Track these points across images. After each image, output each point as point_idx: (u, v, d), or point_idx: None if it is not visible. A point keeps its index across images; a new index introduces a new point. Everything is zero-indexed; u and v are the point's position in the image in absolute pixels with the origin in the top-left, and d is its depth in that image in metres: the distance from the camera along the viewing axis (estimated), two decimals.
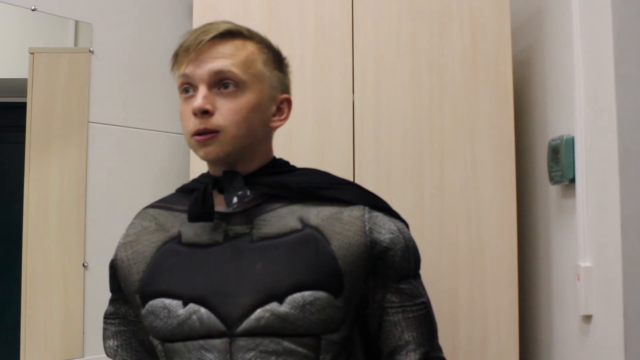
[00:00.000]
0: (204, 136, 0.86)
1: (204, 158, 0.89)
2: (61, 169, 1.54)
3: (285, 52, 1.49)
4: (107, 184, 1.62)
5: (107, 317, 0.99)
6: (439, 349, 0.97)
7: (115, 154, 1.65)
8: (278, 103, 0.94)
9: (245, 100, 0.87)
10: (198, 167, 1.46)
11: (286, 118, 0.96)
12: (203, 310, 0.83)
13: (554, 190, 1.46)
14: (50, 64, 1.54)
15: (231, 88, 0.86)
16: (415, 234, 1.44)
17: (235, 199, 0.86)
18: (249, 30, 0.92)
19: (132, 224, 0.98)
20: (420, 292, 0.94)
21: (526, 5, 1.65)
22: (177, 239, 0.90)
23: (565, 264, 1.39)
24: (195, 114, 0.85)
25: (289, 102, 0.96)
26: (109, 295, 1.58)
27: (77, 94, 1.58)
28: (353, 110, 1.47)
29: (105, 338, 0.98)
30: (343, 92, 1.47)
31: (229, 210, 0.90)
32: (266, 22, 1.49)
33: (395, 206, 1.43)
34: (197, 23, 1.49)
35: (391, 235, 0.90)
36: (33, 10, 1.51)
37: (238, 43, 0.89)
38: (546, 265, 1.50)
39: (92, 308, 1.56)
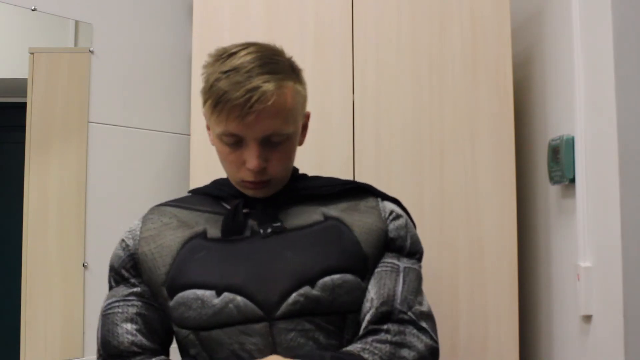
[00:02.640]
0: (257, 184, 0.94)
1: (252, 196, 0.98)
2: (61, 169, 1.54)
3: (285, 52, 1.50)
4: (107, 184, 1.62)
5: (125, 298, 0.95)
6: (407, 308, 0.93)
7: (115, 154, 1.65)
8: (303, 123, 1.02)
9: (291, 145, 0.96)
10: (198, 167, 1.46)
11: (306, 134, 1.04)
12: (239, 298, 0.88)
13: (554, 190, 1.46)
14: (50, 64, 1.54)
15: (280, 141, 0.93)
16: None
17: (269, 230, 0.95)
18: (287, 65, 0.94)
19: (149, 219, 1.00)
20: (398, 265, 0.97)
21: (526, 5, 1.65)
22: (202, 234, 0.95)
23: (565, 264, 1.39)
24: (250, 170, 0.92)
25: (308, 117, 1.04)
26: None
27: (77, 94, 1.58)
28: (353, 110, 1.47)
29: (114, 324, 0.93)
30: (343, 92, 1.47)
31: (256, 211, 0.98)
32: (266, 22, 1.49)
33: None
34: (197, 23, 1.49)
35: (400, 221, 1.01)
36: (33, 10, 1.51)
37: (284, 91, 0.90)
38: (546, 265, 1.50)
39: (92, 308, 1.56)
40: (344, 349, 0.88)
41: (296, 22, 1.49)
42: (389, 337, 0.89)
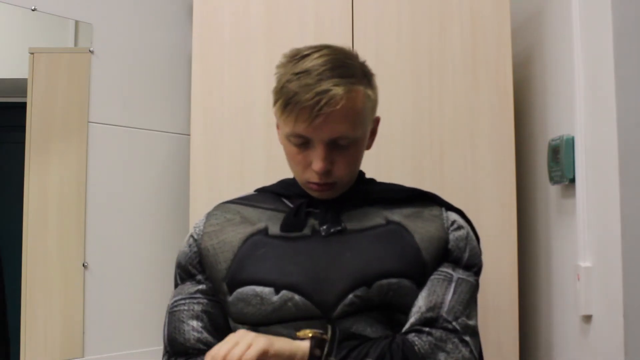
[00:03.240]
0: (322, 186, 0.95)
1: (317, 197, 0.99)
2: (61, 169, 1.54)
3: (285, 52, 1.49)
4: (107, 184, 1.62)
5: (191, 296, 0.96)
6: (453, 319, 0.92)
7: (115, 154, 1.65)
8: (372, 128, 1.02)
9: (358, 149, 0.97)
10: (198, 167, 1.46)
11: (375, 137, 1.05)
12: (297, 297, 0.89)
13: (554, 190, 1.46)
14: (50, 64, 1.54)
15: (347, 144, 0.93)
16: None
17: (331, 230, 0.96)
18: (359, 68, 0.95)
19: (212, 215, 1.03)
20: (452, 274, 0.96)
21: (526, 5, 1.65)
22: (264, 231, 0.97)
23: (565, 264, 1.39)
24: (316, 172, 0.93)
25: (378, 121, 1.04)
26: (108, 294, 1.59)
27: (77, 94, 1.58)
28: None
29: (180, 321, 0.94)
30: None
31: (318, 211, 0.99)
32: (266, 22, 1.49)
33: None
34: (197, 23, 1.49)
35: (461, 232, 1.00)
36: (33, 10, 1.51)
37: (353, 95, 0.91)
38: (546, 265, 1.50)
39: (92, 308, 1.56)
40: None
41: (296, 22, 1.49)
42: (430, 338, 0.89)
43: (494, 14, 1.47)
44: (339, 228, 0.95)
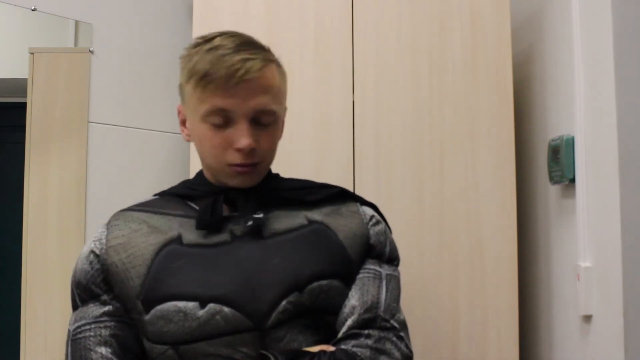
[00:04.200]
0: (246, 168, 0.89)
1: (236, 186, 0.92)
2: (61, 169, 1.54)
3: (285, 52, 1.50)
4: (107, 184, 1.62)
5: (97, 320, 0.87)
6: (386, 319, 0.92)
7: (115, 154, 1.65)
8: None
9: (278, 129, 0.93)
10: (198, 167, 1.46)
11: (283, 129, 0.99)
12: (227, 309, 0.83)
13: (554, 190, 1.46)
14: (50, 64, 1.54)
15: (269, 122, 0.90)
16: (415, 234, 1.44)
17: (250, 222, 0.89)
18: (271, 52, 0.93)
19: (114, 225, 0.92)
20: (380, 271, 0.95)
21: (526, 5, 1.65)
22: (177, 240, 0.89)
23: (565, 264, 1.39)
24: (241, 150, 0.87)
25: (285, 111, 0.98)
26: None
27: (77, 94, 1.58)
28: (353, 110, 1.47)
29: (86, 349, 0.85)
30: (343, 92, 1.47)
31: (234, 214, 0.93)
32: (266, 23, 1.49)
33: (395, 206, 1.44)
34: (197, 23, 1.49)
35: (380, 226, 0.99)
36: (33, 10, 1.51)
37: (270, 72, 0.89)
38: (546, 265, 1.50)
39: None
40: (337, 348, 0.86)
41: (296, 22, 1.49)
42: (369, 342, 0.87)
43: (494, 14, 1.48)
44: (260, 216, 0.89)
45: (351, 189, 1.44)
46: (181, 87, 0.94)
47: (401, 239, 1.42)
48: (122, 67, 1.68)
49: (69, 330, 0.89)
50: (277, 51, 1.50)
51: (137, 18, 1.72)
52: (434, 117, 1.47)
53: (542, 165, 1.50)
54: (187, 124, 0.96)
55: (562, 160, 1.33)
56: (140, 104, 1.71)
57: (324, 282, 0.88)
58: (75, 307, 0.90)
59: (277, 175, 1.03)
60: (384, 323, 0.90)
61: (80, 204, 1.56)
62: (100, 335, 0.86)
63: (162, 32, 1.77)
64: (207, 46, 0.87)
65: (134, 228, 0.91)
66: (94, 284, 0.89)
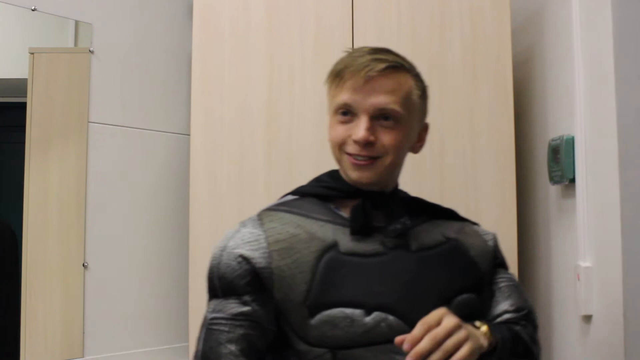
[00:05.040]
0: (363, 161, 0.93)
1: (356, 180, 0.95)
2: (61, 169, 1.54)
3: (285, 52, 1.50)
4: (107, 184, 1.62)
5: (234, 317, 0.91)
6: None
7: (115, 154, 1.65)
8: (421, 130, 1.03)
9: (402, 132, 0.94)
10: (198, 167, 1.46)
11: (423, 144, 1.04)
12: (391, 317, 0.88)
13: (554, 190, 1.46)
14: (50, 64, 1.54)
15: (391, 121, 0.93)
16: None
17: (398, 226, 0.94)
18: (409, 64, 0.98)
19: (272, 228, 0.94)
20: (513, 277, 1.05)
21: (526, 5, 1.65)
22: (335, 248, 0.93)
23: (565, 264, 1.39)
24: (357, 142, 0.91)
25: (427, 129, 1.05)
26: (108, 294, 1.59)
27: (77, 94, 1.58)
28: None
29: (217, 343, 0.90)
30: None
31: (382, 224, 0.97)
32: (266, 23, 1.49)
33: None
34: (197, 23, 1.49)
35: (495, 240, 1.06)
36: (33, 10, 1.51)
37: (400, 77, 0.94)
38: (546, 265, 1.50)
39: (92, 308, 1.56)
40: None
41: (296, 22, 1.49)
42: (526, 330, 0.95)
43: (494, 14, 1.47)
44: (408, 223, 0.95)
45: None
46: (328, 85, 0.99)
47: None
48: (122, 67, 1.68)
49: (205, 316, 0.93)
50: (277, 51, 1.51)
51: (137, 18, 1.72)
52: (434, 117, 1.47)
53: (542, 165, 1.50)
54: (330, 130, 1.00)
55: (562, 160, 1.33)
56: (140, 104, 1.71)
57: (465, 295, 0.94)
58: (214, 296, 0.94)
59: (404, 191, 1.08)
60: (532, 318, 0.99)
61: (80, 204, 1.56)
62: (233, 332, 0.90)
63: (162, 32, 1.77)
64: (350, 51, 0.96)
65: (293, 232, 0.94)
66: (238, 284, 0.92)
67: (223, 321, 0.91)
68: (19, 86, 1.47)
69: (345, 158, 0.94)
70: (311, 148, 1.46)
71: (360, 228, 0.94)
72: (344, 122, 0.93)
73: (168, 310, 1.71)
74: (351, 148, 0.93)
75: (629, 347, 1.15)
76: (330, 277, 0.90)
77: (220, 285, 0.93)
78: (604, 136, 1.20)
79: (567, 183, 1.34)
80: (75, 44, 1.62)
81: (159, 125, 1.75)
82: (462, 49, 1.47)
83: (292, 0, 1.49)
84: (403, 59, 0.97)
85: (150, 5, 1.75)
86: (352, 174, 0.94)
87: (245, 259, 0.91)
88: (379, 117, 0.92)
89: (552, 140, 1.39)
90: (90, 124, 1.60)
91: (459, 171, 1.45)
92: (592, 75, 1.25)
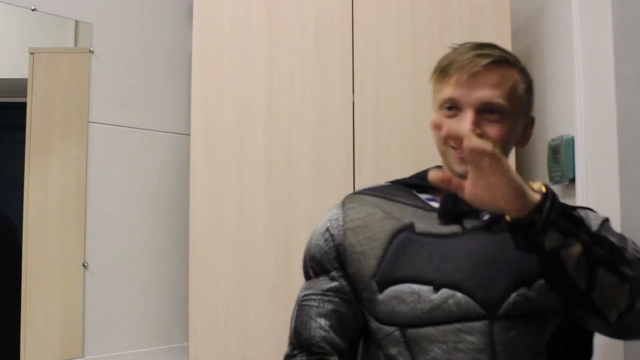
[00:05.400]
0: None
1: (461, 173, 0.91)
2: (61, 169, 1.54)
3: (285, 52, 1.50)
4: (107, 184, 1.62)
5: (323, 293, 0.95)
6: None
7: (115, 154, 1.65)
8: (526, 124, 1.01)
9: (507, 126, 0.94)
10: (198, 167, 1.46)
11: (529, 138, 1.02)
12: (459, 295, 0.87)
13: (554, 190, 1.46)
14: (50, 64, 1.54)
15: (496, 115, 0.92)
16: None
17: (487, 216, 0.93)
18: (514, 58, 0.97)
19: (351, 208, 0.99)
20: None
21: (526, 5, 1.65)
22: (410, 228, 0.94)
23: None
24: None
25: (532, 123, 1.02)
26: (108, 294, 1.59)
27: (77, 94, 1.58)
28: (353, 110, 1.47)
29: (308, 317, 0.94)
30: (343, 92, 1.47)
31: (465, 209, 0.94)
32: (266, 23, 1.49)
33: None
34: (197, 23, 1.49)
35: (599, 228, 0.96)
36: (33, 10, 1.51)
37: (506, 72, 0.93)
38: None
39: (92, 308, 1.56)
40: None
41: (296, 22, 1.49)
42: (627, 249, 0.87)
43: (494, 14, 1.47)
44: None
45: (351, 189, 1.44)
46: (433, 80, 0.99)
47: None
48: (122, 67, 1.68)
49: (298, 296, 0.98)
50: (277, 51, 1.51)
51: (137, 18, 1.72)
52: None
53: (542, 165, 1.50)
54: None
55: (562, 160, 1.33)
56: (140, 104, 1.71)
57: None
58: (308, 278, 1.00)
59: None
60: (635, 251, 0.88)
61: (80, 204, 1.56)
62: (323, 307, 0.95)
63: (162, 32, 1.77)
64: (455, 47, 0.96)
65: (369, 212, 0.97)
66: (327, 260, 0.97)
67: (313, 297, 0.96)
68: (19, 86, 1.47)
69: (451, 152, 0.96)
70: (311, 146, 1.46)
71: (446, 215, 0.94)
72: (449, 117, 0.94)
73: (168, 310, 1.71)
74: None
75: (628, 347, 1.15)
76: (401, 254, 0.92)
77: (312, 265, 0.99)
78: (604, 136, 1.20)
79: (567, 183, 1.34)
80: (75, 44, 1.62)
81: (159, 125, 1.75)
82: None
83: (292, 0, 1.49)
84: (508, 53, 0.97)
85: (150, 5, 1.75)
86: (458, 168, 0.95)
87: (331, 235, 0.97)
88: (484, 111, 0.92)
89: (552, 140, 1.39)
90: (90, 124, 1.60)
91: None
92: (592, 75, 1.25)
